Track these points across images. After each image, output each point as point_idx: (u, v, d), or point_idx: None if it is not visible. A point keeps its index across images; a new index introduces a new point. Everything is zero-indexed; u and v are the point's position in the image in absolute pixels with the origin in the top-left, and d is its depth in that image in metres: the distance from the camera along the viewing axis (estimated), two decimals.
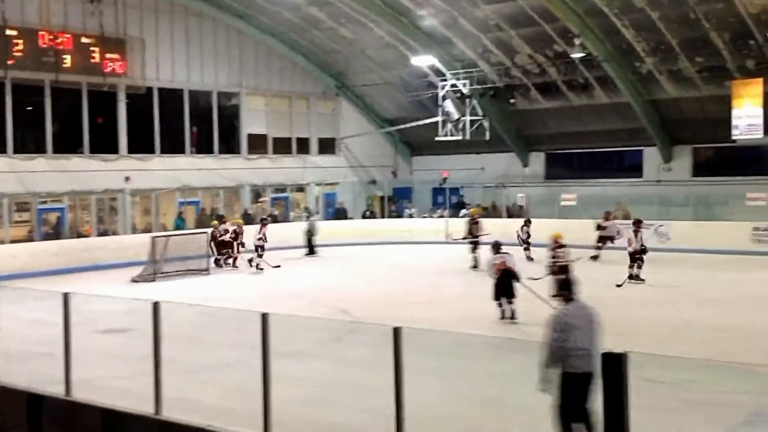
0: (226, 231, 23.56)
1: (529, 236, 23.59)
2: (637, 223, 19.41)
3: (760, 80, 24.55)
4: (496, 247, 15.00)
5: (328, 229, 28.12)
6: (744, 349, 11.07)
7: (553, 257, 16.42)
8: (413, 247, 22.43)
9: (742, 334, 12.44)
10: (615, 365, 5.12)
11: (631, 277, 18.44)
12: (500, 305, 13.76)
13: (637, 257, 18.73)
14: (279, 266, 22.21)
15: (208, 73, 29.70)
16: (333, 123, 34.09)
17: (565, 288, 7.41)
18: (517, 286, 14.08)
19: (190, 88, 29.25)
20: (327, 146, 33.90)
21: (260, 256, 22.35)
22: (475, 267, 21.31)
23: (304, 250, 25.70)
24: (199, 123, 29.75)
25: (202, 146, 29.71)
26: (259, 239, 22.47)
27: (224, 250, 23.36)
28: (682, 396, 8.39)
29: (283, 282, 20.12)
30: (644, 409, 5.98)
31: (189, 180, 28.45)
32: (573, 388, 6.72)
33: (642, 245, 18.83)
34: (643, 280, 18.44)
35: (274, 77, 31.92)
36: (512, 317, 13.86)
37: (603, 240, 23.20)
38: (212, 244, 23.24)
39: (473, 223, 22.74)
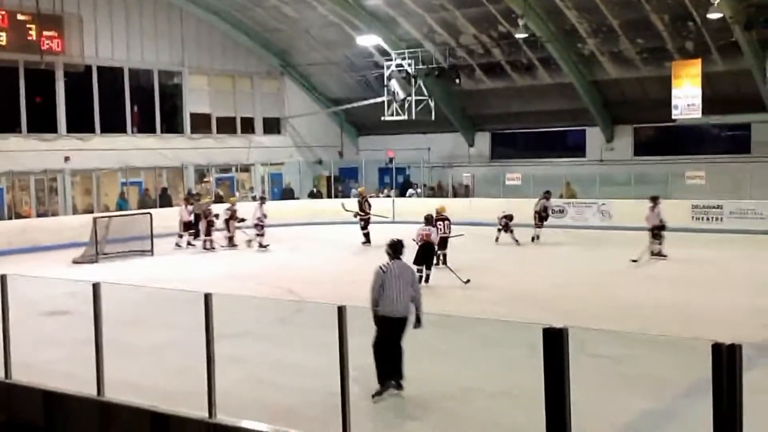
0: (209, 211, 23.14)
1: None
2: (654, 199, 19.67)
3: (699, 61, 25.08)
4: (428, 219, 16.96)
5: (275, 210, 27.93)
6: (683, 325, 11.36)
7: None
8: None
9: (680, 310, 12.75)
10: (555, 340, 5.19)
11: (653, 253, 18.76)
12: (419, 270, 14.63)
13: (656, 233, 19.04)
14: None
15: (149, 51, 29.16)
16: (278, 103, 33.82)
17: (392, 249, 8.98)
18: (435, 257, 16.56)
19: (131, 67, 28.69)
20: (272, 126, 33.64)
21: (261, 234, 22.31)
22: (366, 243, 22.65)
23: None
24: (141, 102, 29.23)
25: (144, 126, 29.22)
26: (259, 218, 22.41)
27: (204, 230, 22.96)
28: (623, 371, 8.58)
29: (228, 263, 19.97)
30: (585, 384, 6.10)
31: (131, 160, 27.96)
32: (386, 327, 8.30)
33: (661, 220, 19.13)
34: (665, 256, 18.66)
35: (217, 56, 31.49)
36: (426, 281, 15.35)
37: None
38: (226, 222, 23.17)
39: (363, 202, 23.72)
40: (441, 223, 17.74)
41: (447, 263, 17.24)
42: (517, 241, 21.81)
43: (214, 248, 22.32)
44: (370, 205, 23.93)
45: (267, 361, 9.62)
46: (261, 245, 22.22)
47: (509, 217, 22.15)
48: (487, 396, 7.99)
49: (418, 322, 8.51)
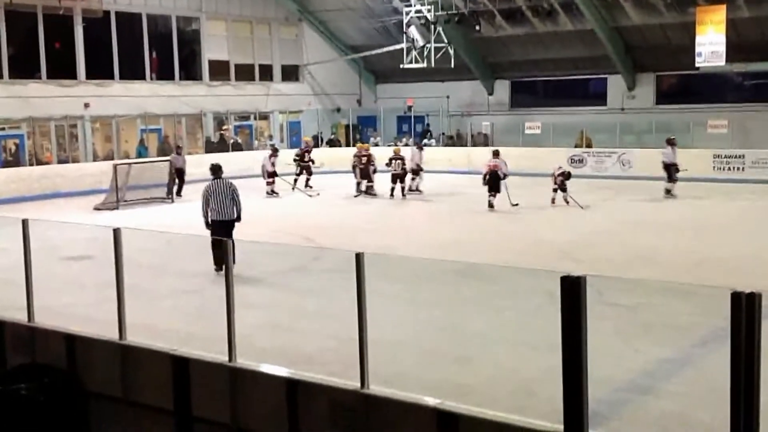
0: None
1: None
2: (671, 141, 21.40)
3: (724, 6, 24.53)
4: (495, 153, 20.12)
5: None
6: (702, 274, 11.31)
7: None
8: (379, 176, 22.45)
9: (699, 259, 12.70)
10: (573, 289, 5.18)
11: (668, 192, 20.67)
12: (490, 196, 18.92)
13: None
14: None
15: None
16: (296, 50, 33.52)
17: (212, 171, 12.38)
18: (502, 184, 19.16)
19: (149, 12, 28.46)
20: (290, 73, 33.41)
21: (271, 183, 22.78)
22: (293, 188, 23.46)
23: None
24: (159, 48, 29.06)
25: (163, 72, 29.10)
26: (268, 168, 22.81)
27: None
28: (641, 319, 8.57)
29: (247, 210, 20.00)
30: (602, 333, 6.11)
31: (150, 107, 27.93)
32: (217, 228, 11.71)
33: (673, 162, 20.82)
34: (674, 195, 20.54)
35: (235, 2, 31.16)
36: (491, 206, 18.84)
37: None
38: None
39: (306, 152, 24.78)
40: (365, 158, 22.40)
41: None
42: (573, 202, 19.18)
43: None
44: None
45: (285, 306, 9.69)
46: (272, 192, 22.53)
47: (566, 175, 19.76)
48: (505, 342, 8.02)
49: (238, 220, 12.10)
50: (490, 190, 19.06)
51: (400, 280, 9.76)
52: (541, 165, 23.22)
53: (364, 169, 22.39)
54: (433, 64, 29.38)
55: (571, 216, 18.18)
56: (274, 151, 23.37)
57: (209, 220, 11.92)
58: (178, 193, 22.61)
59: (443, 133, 32.59)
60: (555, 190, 19.72)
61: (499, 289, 9.59)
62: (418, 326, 8.61)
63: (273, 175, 22.52)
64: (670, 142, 21.36)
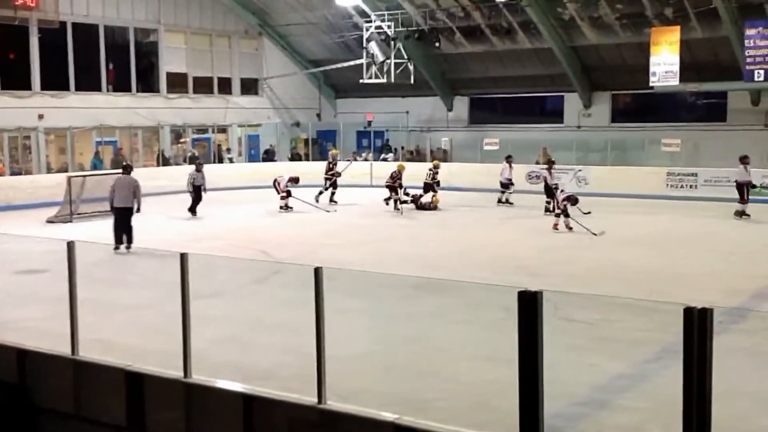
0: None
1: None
2: (743, 159, 20.70)
3: (677, 28, 25.06)
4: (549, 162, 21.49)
5: (253, 171, 27.98)
6: (657, 289, 11.48)
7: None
8: (294, 191, 22.45)
9: (655, 275, 12.89)
10: (530, 304, 5.23)
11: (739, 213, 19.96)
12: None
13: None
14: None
15: (124, 8, 28.65)
16: (256, 63, 33.46)
17: (124, 169, 16.57)
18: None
19: (106, 24, 28.20)
20: (250, 87, 33.32)
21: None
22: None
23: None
24: (116, 60, 28.80)
25: (120, 84, 28.81)
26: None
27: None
28: (596, 334, 8.68)
29: (202, 224, 19.88)
30: (558, 347, 6.17)
31: (106, 119, 27.62)
32: (118, 213, 15.52)
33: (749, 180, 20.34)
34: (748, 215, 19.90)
35: (194, 14, 31.02)
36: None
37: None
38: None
39: (333, 164, 24.62)
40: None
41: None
42: (581, 227, 17.31)
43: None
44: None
45: (243, 321, 9.62)
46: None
47: (572, 200, 17.96)
48: (464, 356, 8.05)
49: (138, 209, 15.74)
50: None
51: (359, 295, 9.76)
52: (498, 180, 23.49)
53: (430, 184, 22.46)
54: (393, 80, 29.54)
55: (531, 231, 18.35)
56: (296, 180, 22.63)
57: (113, 205, 15.70)
58: (192, 210, 21.13)
59: (402, 148, 32.74)
60: (558, 216, 18.02)
61: (457, 304, 9.64)
62: (378, 341, 8.61)
63: (288, 193, 22.29)
64: (743, 161, 20.45)
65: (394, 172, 22.33)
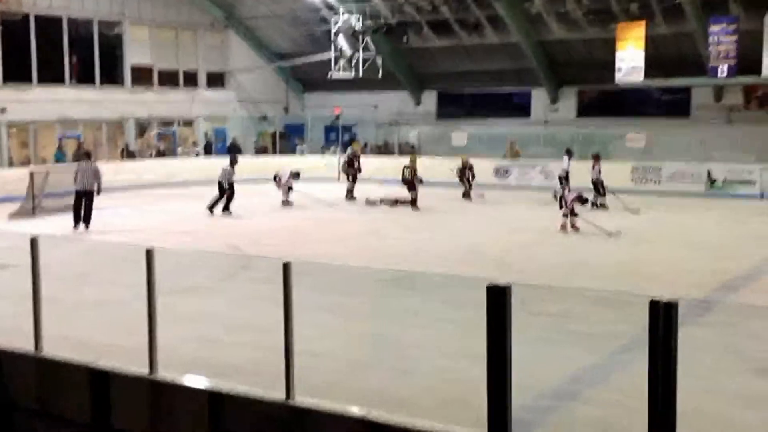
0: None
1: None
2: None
3: (643, 23, 25.33)
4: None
5: (219, 165, 27.75)
6: (624, 282, 11.60)
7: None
8: (305, 184, 22.37)
9: (622, 268, 13.02)
10: (499, 297, 5.24)
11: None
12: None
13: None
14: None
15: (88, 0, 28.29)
16: (222, 56, 33.22)
17: (86, 155, 18.67)
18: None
19: (70, 16, 27.82)
20: (216, 80, 33.09)
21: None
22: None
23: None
24: (80, 53, 28.43)
25: (84, 77, 28.45)
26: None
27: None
28: (565, 327, 8.73)
29: (171, 218, 19.70)
30: (527, 341, 6.20)
31: (70, 112, 27.26)
32: (79, 196, 17.29)
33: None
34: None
35: (159, 7, 30.69)
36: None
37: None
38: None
39: (355, 158, 24.11)
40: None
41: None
42: (596, 228, 16.64)
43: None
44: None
45: (212, 317, 9.54)
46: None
47: (582, 200, 17.54)
48: (437, 352, 8.06)
49: (98, 192, 17.56)
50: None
51: (331, 290, 9.73)
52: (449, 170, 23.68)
53: (411, 181, 21.86)
54: (361, 74, 29.52)
55: (505, 226, 18.44)
56: (297, 175, 22.48)
57: (76, 188, 17.38)
58: (226, 209, 20.31)
59: (366, 144, 32.71)
60: (566, 215, 17.20)
61: (430, 299, 9.65)
62: (349, 336, 8.59)
63: (290, 188, 22.09)
64: None
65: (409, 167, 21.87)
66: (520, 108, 31.34)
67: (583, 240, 16.16)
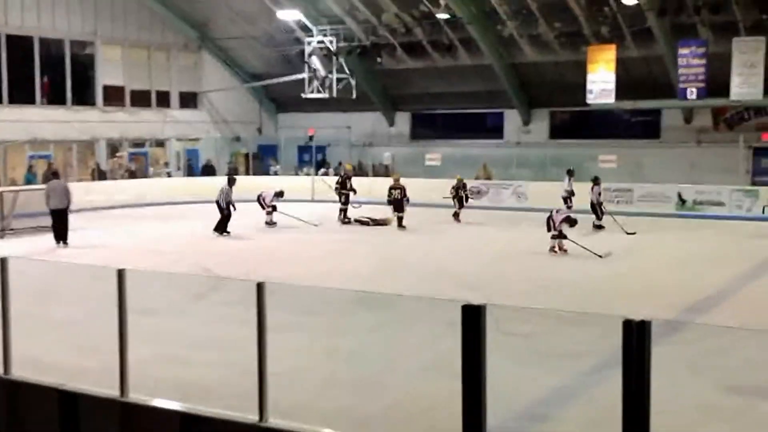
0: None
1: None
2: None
3: (614, 46, 25.69)
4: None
5: (193, 186, 27.72)
6: (596, 302, 11.67)
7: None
8: (279, 205, 22.31)
9: (593, 288, 13.11)
10: (473, 317, 5.25)
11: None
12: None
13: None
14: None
15: (60, 19, 28.16)
16: (195, 76, 33.15)
17: (52, 174, 19.37)
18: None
19: (41, 36, 27.65)
20: (189, 100, 32.99)
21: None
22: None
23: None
24: (51, 72, 28.24)
25: (55, 97, 28.24)
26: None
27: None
28: (537, 347, 8.76)
29: (143, 239, 19.55)
30: (498, 361, 6.21)
31: (40, 132, 27.02)
32: (55, 215, 17.87)
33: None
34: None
35: (132, 27, 30.60)
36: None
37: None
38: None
39: (347, 179, 23.86)
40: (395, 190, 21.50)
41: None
42: (584, 250, 16.53)
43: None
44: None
45: (183, 338, 9.47)
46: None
47: (570, 221, 17.21)
48: (409, 370, 8.06)
49: (68, 208, 17.99)
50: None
51: (300, 311, 9.69)
52: (440, 195, 23.71)
53: (398, 201, 21.78)
54: (335, 95, 29.59)
55: (474, 245, 18.51)
56: (280, 195, 22.30)
57: (50, 208, 17.97)
58: (224, 230, 20.26)
59: (340, 164, 32.72)
60: (554, 237, 17.06)
61: (399, 319, 9.63)
62: (319, 356, 8.56)
63: (274, 208, 21.95)
64: None
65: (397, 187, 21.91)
66: (493, 129, 31.57)
67: (551, 261, 16.25)
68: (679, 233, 20.32)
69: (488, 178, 28.47)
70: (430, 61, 29.96)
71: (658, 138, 28.29)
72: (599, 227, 20.89)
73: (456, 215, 23.12)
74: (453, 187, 23.54)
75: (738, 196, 23.85)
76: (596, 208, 21.18)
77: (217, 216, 20.09)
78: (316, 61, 29.42)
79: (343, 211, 23.03)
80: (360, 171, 31.91)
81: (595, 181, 21.58)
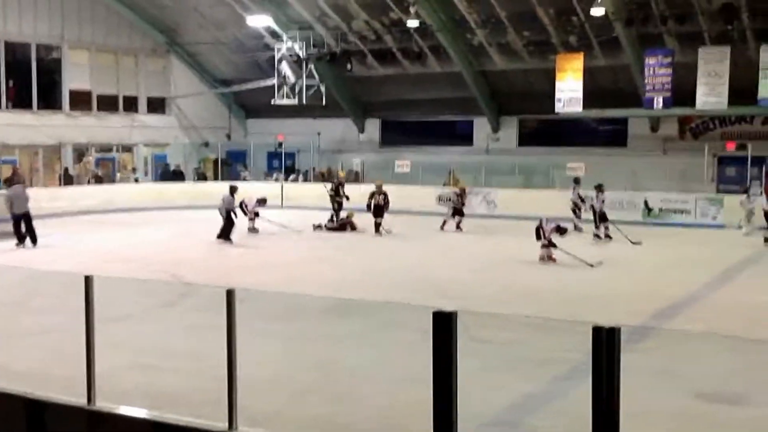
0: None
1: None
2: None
3: (581, 55, 25.96)
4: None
5: (161, 192, 27.50)
6: (567, 309, 11.76)
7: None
8: (262, 211, 22.20)
9: (564, 295, 13.20)
10: (444, 324, 5.26)
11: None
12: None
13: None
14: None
15: (27, 23, 27.83)
16: (163, 82, 32.93)
17: (13, 177, 20.84)
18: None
19: (7, 39, 27.31)
20: (157, 105, 32.76)
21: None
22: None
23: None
24: (17, 76, 27.88)
25: (20, 101, 27.88)
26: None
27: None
28: (507, 354, 8.80)
29: (111, 245, 19.34)
30: (468, 368, 6.23)
31: (6, 137, 26.64)
32: (18, 219, 18.23)
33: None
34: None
35: (99, 31, 30.33)
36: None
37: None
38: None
39: (340, 185, 24.09)
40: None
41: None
42: (575, 258, 16.42)
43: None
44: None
45: (151, 345, 9.38)
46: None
47: (560, 230, 16.97)
48: (380, 379, 8.05)
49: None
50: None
51: (272, 317, 9.65)
52: (411, 202, 23.76)
53: (379, 207, 21.76)
54: (304, 101, 29.55)
55: (438, 253, 18.55)
56: (263, 202, 22.23)
57: (15, 212, 18.36)
58: (226, 237, 19.90)
59: (313, 168, 32.68)
60: (545, 246, 16.82)
61: (372, 326, 9.64)
62: (290, 364, 8.52)
63: (256, 214, 21.81)
64: None
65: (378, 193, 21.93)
66: (462, 136, 31.73)
67: (523, 268, 16.34)
68: (647, 240, 20.50)
69: (456, 185, 28.52)
70: (400, 68, 30.06)
71: (626, 146, 28.61)
72: (596, 236, 20.64)
73: (458, 224, 22.57)
74: (454, 193, 23.36)
75: (703, 204, 24.16)
76: (596, 216, 20.91)
77: (219, 223, 20.06)
78: (285, 67, 29.38)
79: (333, 219, 23.07)
80: (329, 177, 31.88)
81: (599, 188, 21.28)
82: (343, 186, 24.02)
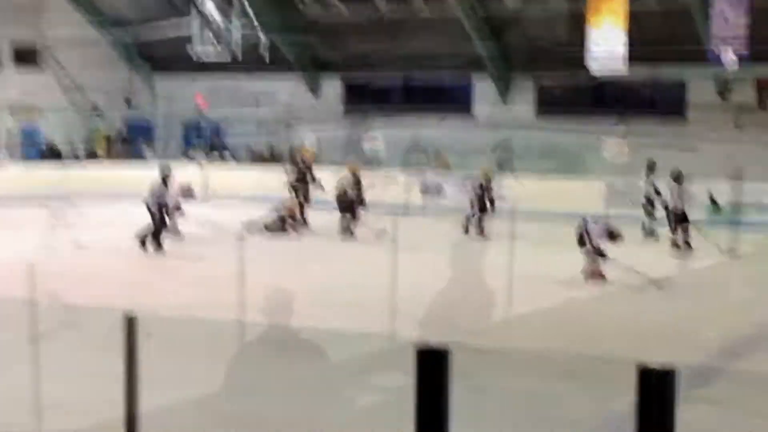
0: None
1: None
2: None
3: None
4: None
5: (29, 178, 27.34)
6: (608, 345, 11.85)
7: None
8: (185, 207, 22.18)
9: (609, 327, 13.33)
10: (432, 365, 5.27)
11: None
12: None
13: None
14: None
15: None
16: (35, 23, 32.62)
17: None
18: None
19: None
20: (26, 57, 32.51)
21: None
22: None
23: None
24: None
25: None
26: None
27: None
28: (524, 410, 8.87)
29: None
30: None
31: None
32: None
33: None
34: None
35: None
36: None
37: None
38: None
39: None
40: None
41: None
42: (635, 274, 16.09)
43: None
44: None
45: (14, 395, 9.34)
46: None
47: (611, 234, 16.74)
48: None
49: None
50: None
51: (181, 353, 9.64)
52: (386, 192, 23.77)
53: (352, 202, 22.16)
54: (237, 54, 29.47)
55: (421, 262, 18.59)
56: (189, 192, 22.73)
57: None
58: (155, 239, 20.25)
59: (249, 147, 32.66)
60: (591, 253, 16.39)
61: (319, 366, 9.62)
62: (201, 416, 8.58)
63: (178, 208, 21.79)
64: None
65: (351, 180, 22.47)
66: (457, 104, 31.78)
67: (561, 288, 16.23)
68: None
69: (443, 168, 28.52)
70: (372, 11, 30.04)
71: (684, 118, 28.75)
72: (676, 245, 20.79)
73: (481, 229, 22.66)
74: (479, 184, 23.32)
75: None
76: (672, 217, 21.11)
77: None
78: (209, 5, 29.29)
79: (301, 215, 23.18)
80: (272, 158, 31.84)
81: (678, 178, 21.38)
82: (311, 169, 23.85)
